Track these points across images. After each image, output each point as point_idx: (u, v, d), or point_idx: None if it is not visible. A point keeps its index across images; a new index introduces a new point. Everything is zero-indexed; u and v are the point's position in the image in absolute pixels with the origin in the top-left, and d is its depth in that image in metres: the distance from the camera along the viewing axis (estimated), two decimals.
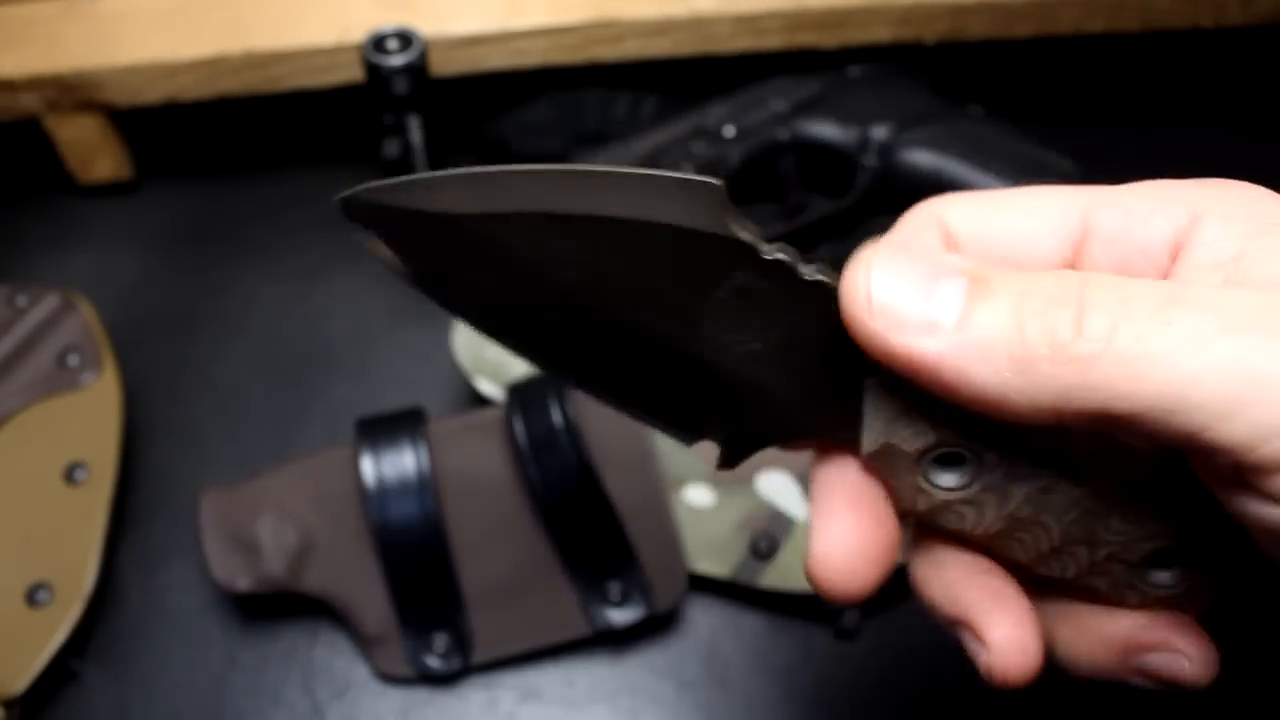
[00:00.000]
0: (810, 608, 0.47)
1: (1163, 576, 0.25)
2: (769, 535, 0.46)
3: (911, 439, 0.23)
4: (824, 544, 0.25)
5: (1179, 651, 0.25)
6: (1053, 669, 0.28)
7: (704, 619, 0.47)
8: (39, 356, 0.50)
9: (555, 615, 0.45)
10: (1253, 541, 0.22)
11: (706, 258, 0.23)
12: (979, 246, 0.25)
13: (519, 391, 0.47)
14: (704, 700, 0.45)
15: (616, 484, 0.45)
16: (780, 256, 0.23)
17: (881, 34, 0.62)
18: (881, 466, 0.24)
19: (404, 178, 0.24)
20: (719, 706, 0.45)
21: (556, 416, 0.45)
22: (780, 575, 0.45)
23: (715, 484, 0.47)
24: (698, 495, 0.47)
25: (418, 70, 0.51)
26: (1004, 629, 0.25)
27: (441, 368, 0.55)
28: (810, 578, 0.25)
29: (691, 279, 0.23)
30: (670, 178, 0.23)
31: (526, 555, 0.45)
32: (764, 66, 0.62)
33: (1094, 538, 0.24)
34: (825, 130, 0.60)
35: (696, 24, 0.60)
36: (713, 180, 0.23)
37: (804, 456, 0.46)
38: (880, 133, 0.59)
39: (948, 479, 0.24)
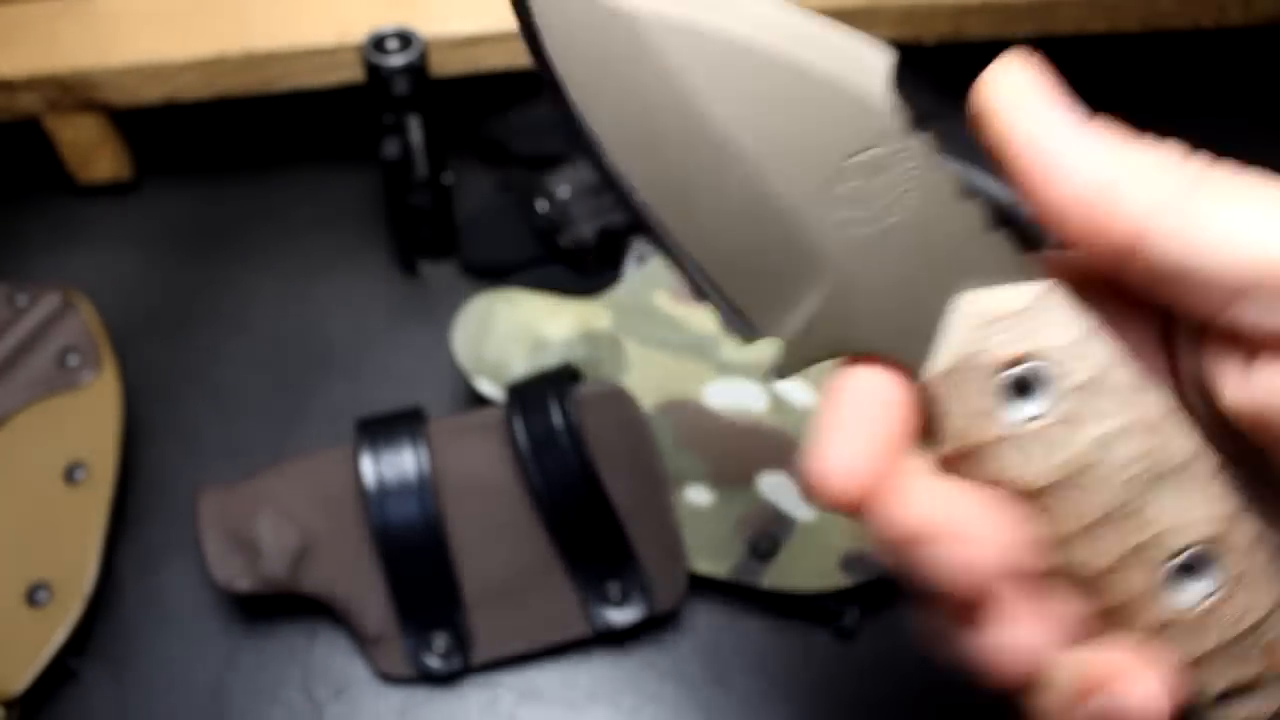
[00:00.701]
0: (810, 608, 0.47)
1: (1190, 592, 0.23)
2: (769, 535, 0.46)
3: (1002, 348, 0.23)
4: (831, 448, 0.23)
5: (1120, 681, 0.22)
6: None
7: (704, 619, 0.47)
8: (39, 356, 0.50)
9: (555, 615, 0.45)
10: None
11: (850, 120, 0.23)
12: None
13: (519, 391, 0.47)
14: (704, 700, 0.45)
15: (616, 484, 0.45)
16: (923, 137, 0.23)
17: (881, 34, 0.62)
18: (945, 389, 0.23)
19: None
20: (719, 706, 0.45)
21: (556, 416, 0.45)
22: (780, 575, 0.45)
23: (715, 484, 0.47)
24: (698, 495, 0.47)
25: (418, 70, 0.51)
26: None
27: (441, 368, 0.55)
28: (808, 474, 0.23)
29: (834, 138, 0.23)
30: (849, 34, 0.23)
31: (526, 555, 0.45)
32: None
33: (1140, 514, 0.23)
34: None
35: None
36: (888, 49, 0.23)
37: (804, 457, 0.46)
38: None
39: (1023, 406, 0.23)
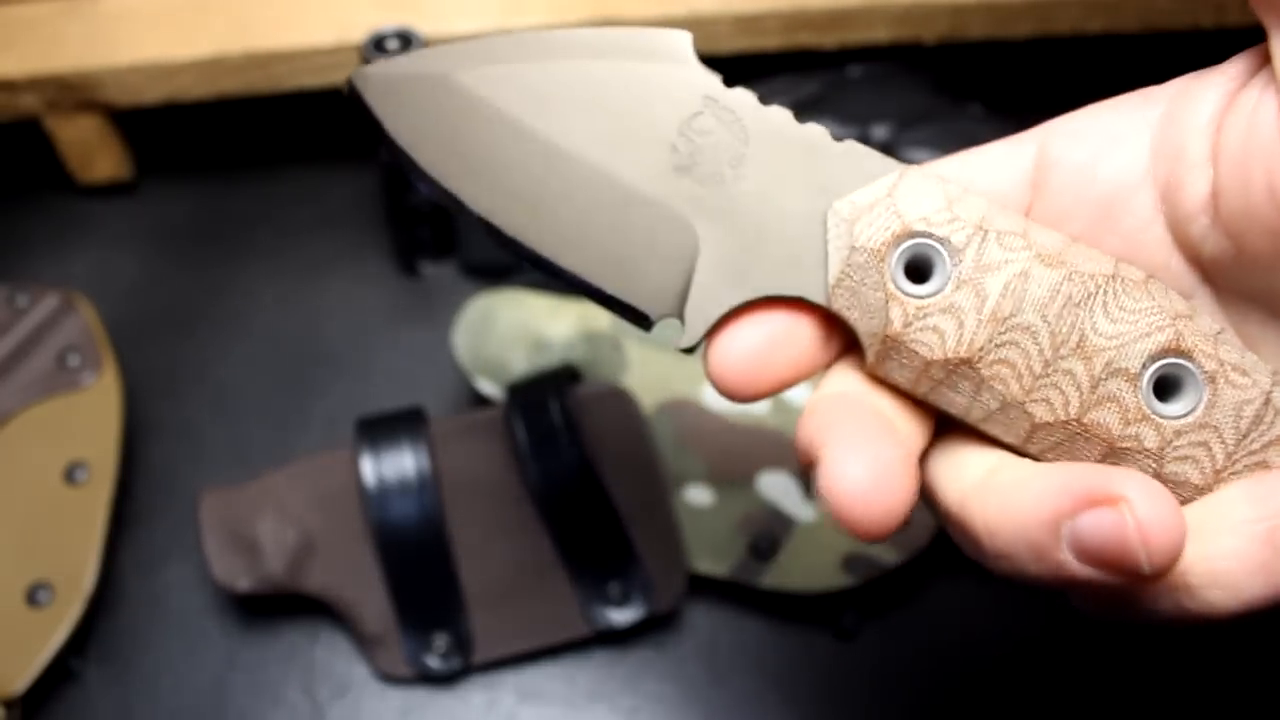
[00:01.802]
0: (810, 608, 0.47)
1: (1177, 406, 0.22)
2: (769, 535, 0.46)
3: (878, 233, 0.23)
4: (840, 473, 0.21)
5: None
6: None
7: (704, 619, 0.47)
8: (39, 356, 0.50)
9: (555, 615, 0.45)
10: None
11: (671, 94, 0.24)
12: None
13: (519, 391, 0.47)
14: (704, 700, 0.45)
15: (616, 484, 0.45)
16: (741, 89, 0.24)
17: (881, 34, 0.62)
18: (846, 299, 0.23)
19: (407, 54, 0.26)
20: (719, 706, 0.45)
21: (556, 416, 0.45)
22: (780, 575, 0.45)
23: (715, 484, 0.47)
24: (698, 495, 0.47)
25: None
26: (1139, 483, 0.19)
27: (441, 368, 0.55)
28: (838, 516, 0.21)
29: (659, 116, 0.24)
30: (640, 30, 0.25)
31: (526, 555, 0.45)
32: (764, 66, 0.62)
33: (1084, 342, 0.22)
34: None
35: (696, 24, 0.60)
36: (677, 30, 0.25)
37: None
38: (880, 132, 0.59)
39: (921, 286, 0.23)
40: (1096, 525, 0.19)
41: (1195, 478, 0.22)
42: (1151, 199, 0.23)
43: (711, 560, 0.46)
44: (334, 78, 0.59)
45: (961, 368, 0.23)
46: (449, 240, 0.60)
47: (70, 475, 0.47)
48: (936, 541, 0.46)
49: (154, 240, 0.62)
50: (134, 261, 0.61)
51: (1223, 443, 0.22)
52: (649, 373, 0.49)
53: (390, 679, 0.45)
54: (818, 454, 0.22)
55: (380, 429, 0.46)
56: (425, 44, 0.52)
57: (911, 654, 0.46)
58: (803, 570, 0.45)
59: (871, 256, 0.23)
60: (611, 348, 0.50)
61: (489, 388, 0.50)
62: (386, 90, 0.25)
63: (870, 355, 0.24)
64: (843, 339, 0.25)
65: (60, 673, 0.45)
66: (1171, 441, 0.22)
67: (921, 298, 0.23)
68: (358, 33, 0.56)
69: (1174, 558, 0.19)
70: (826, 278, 0.24)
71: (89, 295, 0.54)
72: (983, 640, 0.47)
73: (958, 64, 0.66)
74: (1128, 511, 0.19)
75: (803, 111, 0.60)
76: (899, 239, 0.23)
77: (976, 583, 0.48)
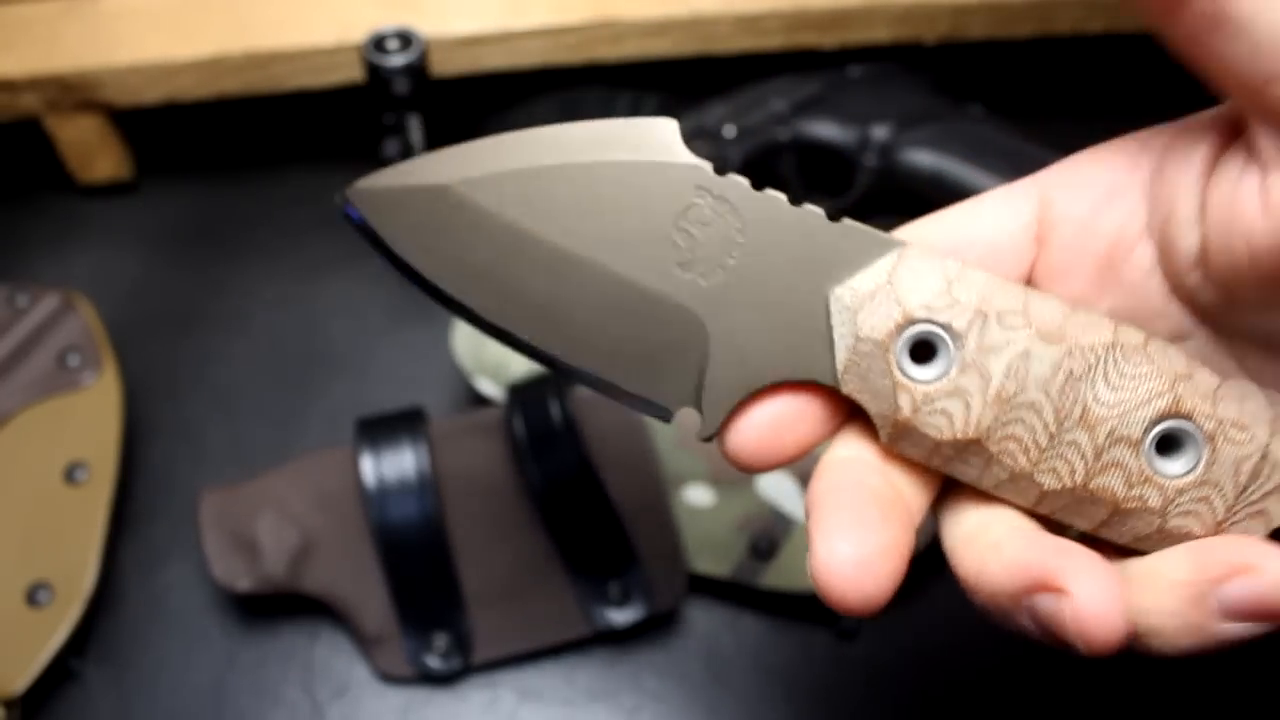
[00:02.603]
0: (810, 608, 0.47)
1: (1178, 465, 0.23)
2: (769, 535, 0.46)
3: (881, 323, 0.23)
4: (827, 554, 0.22)
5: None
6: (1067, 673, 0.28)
7: (704, 619, 0.47)
8: (39, 356, 0.50)
9: (555, 615, 0.45)
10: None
11: (664, 187, 0.24)
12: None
13: (519, 391, 0.47)
14: (704, 700, 0.45)
15: (616, 484, 0.45)
16: (734, 176, 0.24)
17: (881, 34, 0.62)
18: (855, 384, 0.24)
19: (392, 167, 0.26)
20: (719, 706, 0.45)
21: (556, 416, 0.45)
22: (780, 575, 0.45)
23: (715, 484, 0.47)
24: (698, 495, 0.47)
25: (418, 70, 0.51)
26: (1087, 576, 0.21)
27: (441, 368, 0.55)
28: (818, 587, 0.23)
29: (655, 210, 0.24)
30: (625, 121, 0.24)
31: (526, 555, 0.45)
32: (764, 66, 0.62)
33: (1087, 413, 0.23)
34: (825, 130, 0.60)
35: (696, 24, 0.60)
36: (663, 118, 0.24)
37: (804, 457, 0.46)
38: (880, 132, 0.59)
39: (927, 370, 0.23)
40: (1044, 608, 0.21)
41: (1197, 530, 0.23)
42: (1150, 251, 0.24)
43: (711, 560, 0.46)
44: (334, 78, 0.59)
45: (971, 446, 0.24)
46: None
47: (70, 475, 0.47)
48: (936, 542, 0.46)
49: (154, 240, 0.62)
50: (134, 261, 0.61)
51: (1223, 497, 0.23)
52: None
53: (390, 679, 0.45)
54: (811, 529, 0.23)
55: (380, 429, 0.46)
56: (425, 44, 0.52)
57: (911, 654, 0.46)
58: (803, 570, 0.45)
59: (876, 346, 0.23)
60: None
61: (489, 388, 0.50)
62: (382, 205, 0.25)
63: (883, 436, 0.24)
64: (851, 405, 0.25)
65: (60, 673, 0.45)
66: (1174, 500, 0.23)
67: (928, 383, 0.23)
68: (358, 33, 0.56)
69: (1109, 645, 0.21)
70: (834, 363, 0.24)
71: (89, 295, 0.54)
72: (982, 640, 0.47)
73: (958, 64, 0.66)
74: (1068, 604, 0.21)
75: (803, 111, 0.60)
76: (901, 327, 0.23)
77: None
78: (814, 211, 0.24)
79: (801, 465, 0.46)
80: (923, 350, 0.24)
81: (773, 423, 0.25)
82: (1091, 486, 0.23)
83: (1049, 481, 0.23)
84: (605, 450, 0.45)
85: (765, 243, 0.24)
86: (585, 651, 0.46)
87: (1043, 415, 0.23)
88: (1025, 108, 0.64)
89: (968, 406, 0.23)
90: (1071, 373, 0.23)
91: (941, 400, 0.23)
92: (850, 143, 0.59)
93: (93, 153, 0.62)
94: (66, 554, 0.45)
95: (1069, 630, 0.21)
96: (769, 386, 0.24)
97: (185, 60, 0.57)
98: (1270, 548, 0.21)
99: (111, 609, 0.47)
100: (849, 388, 0.24)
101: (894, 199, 0.57)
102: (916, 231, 0.25)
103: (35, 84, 0.57)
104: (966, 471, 0.24)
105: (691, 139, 0.59)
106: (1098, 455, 0.23)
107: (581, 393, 0.47)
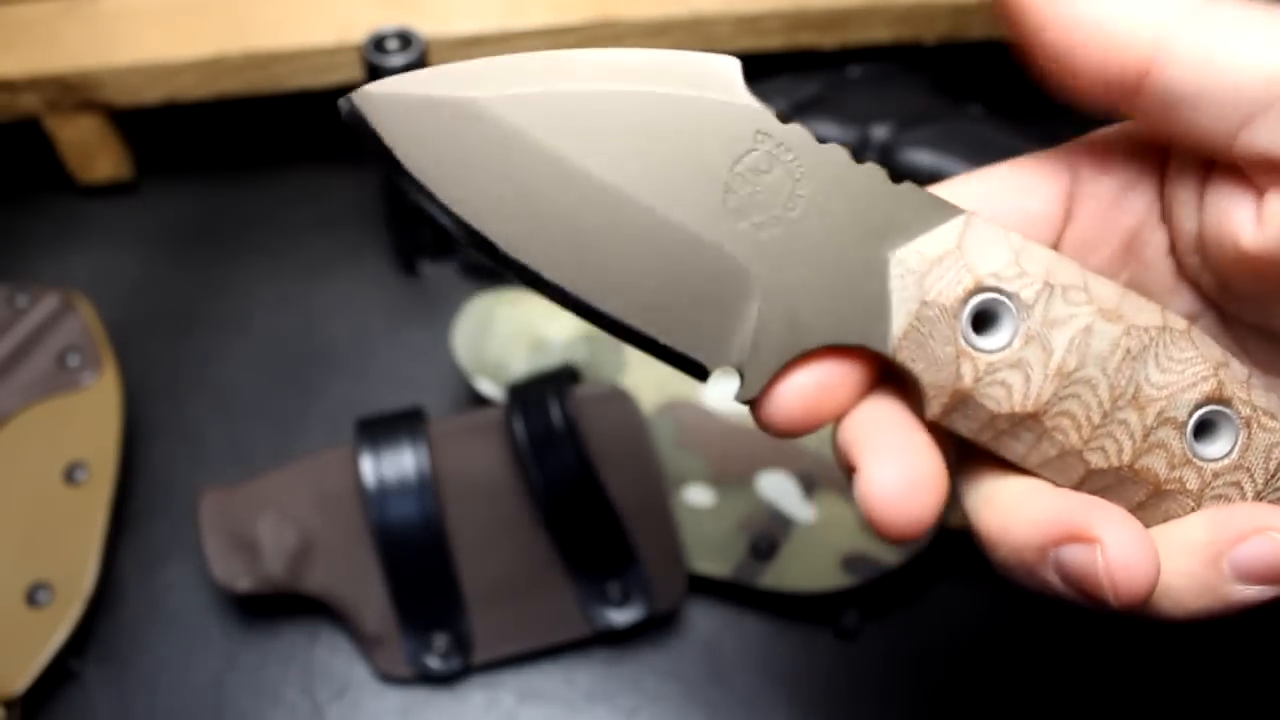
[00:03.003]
0: (810, 608, 0.47)
1: (1216, 448, 0.23)
2: (769, 535, 0.46)
3: (949, 288, 0.23)
4: (877, 479, 0.23)
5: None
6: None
7: (704, 619, 0.47)
8: (39, 356, 0.50)
9: (555, 615, 0.45)
10: None
11: (724, 129, 0.22)
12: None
13: (519, 391, 0.47)
14: (704, 700, 0.45)
15: (616, 484, 0.45)
16: (797, 125, 0.23)
17: (881, 34, 0.62)
18: (911, 352, 0.23)
19: (412, 72, 0.23)
20: (719, 706, 0.45)
21: (556, 416, 0.45)
22: (780, 575, 0.45)
23: (715, 484, 0.47)
24: (698, 495, 0.47)
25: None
26: (1117, 525, 0.22)
27: (441, 368, 0.55)
28: (869, 518, 0.23)
29: (712, 153, 0.22)
30: (685, 54, 0.23)
31: (526, 555, 0.45)
32: (764, 66, 0.62)
33: (1139, 393, 0.23)
34: (825, 130, 0.60)
35: (696, 24, 0.60)
36: (728, 56, 0.23)
37: (803, 458, 0.46)
38: (880, 133, 0.59)
39: (989, 340, 0.23)
40: (1073, 559, 0.21)
41: None
42: (1165, 234, 0.25)
43: (711, 560, 0.46)
44: (334, 78, 0.59)
45: (1027, 420, 0.23)
46: (449, 240, 0.60)
47: (70, 475, 0.47)
48: (936, 542, 0.46)
49: (154, 240, 0.62)
50: (134, 261, 0.61)
51: (1253, 481, 0.23)
52: (649, 373, 0.49)
53: (390, 679, 0.45)
54: (856, 459, 0.23)
55: (380, 429, 0.46)
56: (425, 44, 0.52)
57: (911, 654, 0.46)
58: (803, 570, 0.45)
59: (943, 312, 0.23)
60: (611, 348, 0.50)
61: (489, 388, 0.50)
62: (398, 114, 0.22)
63: (934, 407, 0.23)
64: (880, 371, 0.25)
65: (60, 673, 0.45)
66: (1210, 483, 0.23)
67: (991, 352, 0.23)
68: (358, 33, 0.56)
69: (1141, 596, 0.21)
70: (890, 329, 0.23)
71: (89, 295, 0.54)
72: (983, 640, 0.47)
73: (958, 64, 0.66)
74: (1100, 553, 0.21)
75: (803, 111, 0.60)
76: (970, 294, 0.23)
77: (976, 583, 0.48)
78: (876, 169, 0.23)
79: (802, 465, 0.46)
80: (981, 320, 0.23)
81: (816, 389, 0.24)
82: (1136, 466, 0.23)
83: (1096, 460, 0.23)
84: (605, 450, 0.45)
85: (825, 198, 0.23)
86: (585, 652, 0.46)
87: (1098, 392, 0.23)
88: (1025, 108, 0.64)
89: (1028, 379, 0.23)
90: (1129, 351, 0.23)
91: (1003, 371, 0.23)
92: (850, 143, 0.59)
93: (93, 153, 0.62)
94: (66, 554, 0.45)
95: (1100, 580, 0.21)
96: (814, 350, 0.23)
97: (185, 60, 0.57)
98: None
99: (111, 609, 0.47)
100: (903, 355, 0.23)
101: None
102: (955, 190, 0.25)
103: (35, 84, 0.57)
104: (1014, 447, 0.24)
105: None
106: (1145, 435, 0.23)
107: (582, 393, 0.47)
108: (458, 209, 0.22)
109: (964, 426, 0.24)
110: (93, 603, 0.45)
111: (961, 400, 0.23)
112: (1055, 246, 0.25)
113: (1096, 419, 0.23)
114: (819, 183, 0.23)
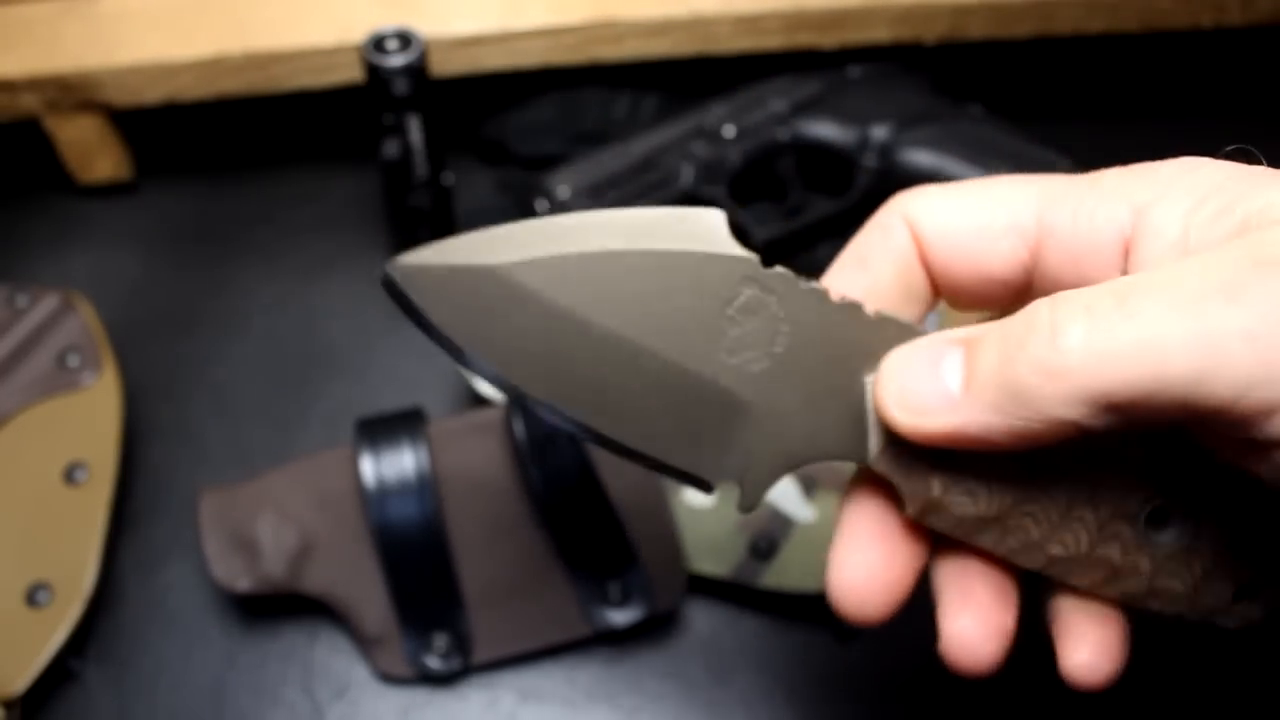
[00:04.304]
0: (810, 608, 0.47)
1: (1167, 536, 0.26)
2: (769, 535, 0.46)
3: None
4: (844, 571, 0.27)
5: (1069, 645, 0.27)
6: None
7: (704, 619, 0.47)
8: (39, 357, 0.50)
9: (555, 615, 0.45)
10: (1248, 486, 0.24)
11: (714, 278, 0.25)
12: (944, 244, 0.27)
13: None
14: (704, 700, 0.45)
15: (616, 484, 0.45)
16: (779, 269, 0.25)
17: (881, 34, 0.62)
18: (893, 461, 0.26)
19: (438, 242, 0.25)
20: (719, 706, 0.45)
21: None
22: (780, 575, 0.45)
23: None
24: (698, 495, 0.47)
25: (417, 70, 0.51)
26: (962, 621, 0.27)
27: (441, 368, 0.55)
28: (832, 601, 0.27)
29: (706, 299, 0.25)
30: (675, 211, 0.25)
31: (526, 555, 0.45)
32: (764, 66, 0.62)
33: (1095, 496, 0.26)
34: (825, 130, 0.60)
35: (696, 24, 0.60)
36: (711, 209, 0.26)
37: None
38: (880, 133, 0.59)
39: (952, 456, 0.25)
40: None
41: (1179, 588, 0.27)
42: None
43: (711, 560, 0.46)
44: (334, 78, 0.59)
45: (991, 522, 0.26)
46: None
47: (70, 475, 0.47)
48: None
49: (154, 240, 0.62)
50: (134, 261, 0.61)
51: (1202, 560, 0.27)
52: None
53: (390, 679, 0.45)
54: (833, 548, 0.27)
55: (380, 429, 0.46)
56: (425, 44, 0.52)
57: (911, 654, 0.46)
58: (802, 570, 0.45)
59: (908, 446, 0.25)
60: None
61: (489, 388, 0.50)
62: (428, 284, 0.25)
63: (912, 509, 0.26)
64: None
65: (60, 673, 0.45)
66: (1162, 565, 0.27)
67: (959, 468, 0.26)
68: (358, 33, 0.56)
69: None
70: (870, 445, 0.26)
71: (89, 295, 0.54)
72: None
73: (958, 64, 0.66)
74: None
75: (803, 111, 0.60)
76: None
77: None
78: (853, 303, 0.26)
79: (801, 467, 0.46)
80: None
81: None
82: (1095, 554, 0.26)
83: (1057, 550, 0.26)
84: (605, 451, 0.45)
85: (807, 331, 0.25)
86: (585, 652, 0.46)
87: (1055, 499, 0.26)
88: (1025, 108, 0.64)
89: (990, 489, 0.26)
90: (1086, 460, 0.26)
91: (969, 482, 0.26)
92: (850, 143, 0.59)
93: (92, 153, 0.62)
94: (66, 554, 0.45)
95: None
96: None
97: (185, 60, 0.57)
98: None
99: (111, 609, 0.47)
100: (882, 467, 0.26)
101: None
102: (932, 208, 0.27)
103: (35, 84, 0.57)
104: (984, 539, 0.27)
105: (691, 139, 0.59)
106: (1100, 528, 0.26)
107: None
108: (485, 362, 0.25)
109: (939, 525, 0.27)
110: (93, 603, 0.45)
111: (933, 507, 0.26)
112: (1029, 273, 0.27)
113: (1055, 519, 0.26)
114: (800, 320, 0.25)
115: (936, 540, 0.28)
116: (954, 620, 0.27)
